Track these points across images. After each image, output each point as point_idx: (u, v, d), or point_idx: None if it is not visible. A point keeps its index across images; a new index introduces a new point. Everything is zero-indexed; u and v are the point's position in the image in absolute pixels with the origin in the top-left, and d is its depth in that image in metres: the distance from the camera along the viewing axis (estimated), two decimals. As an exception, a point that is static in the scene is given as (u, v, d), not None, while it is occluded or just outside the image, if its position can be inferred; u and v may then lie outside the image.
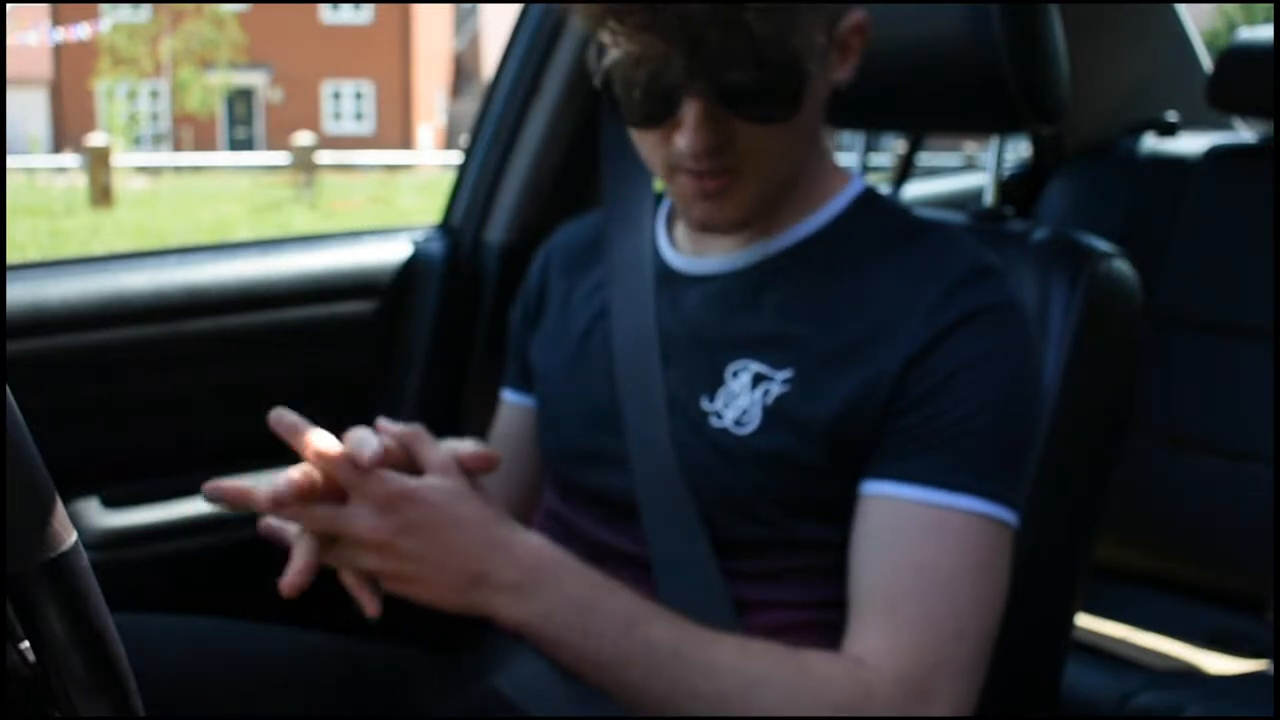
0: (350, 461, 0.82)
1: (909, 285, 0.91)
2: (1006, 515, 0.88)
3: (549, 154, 1.51)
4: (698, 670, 0.82)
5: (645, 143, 0.92)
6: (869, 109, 1.21)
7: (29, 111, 26.06)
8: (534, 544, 0.86)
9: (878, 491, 0.88)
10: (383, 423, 0.89)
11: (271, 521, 0.90)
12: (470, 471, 0.87)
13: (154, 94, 25.91)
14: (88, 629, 0.55)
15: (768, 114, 0.86)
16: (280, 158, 16.53)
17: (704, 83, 0.84)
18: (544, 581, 0.84)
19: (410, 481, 0.84)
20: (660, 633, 0.83)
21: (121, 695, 0.57)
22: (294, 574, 0.83)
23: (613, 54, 0.86)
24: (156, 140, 25.76)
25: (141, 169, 16.41)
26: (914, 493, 0.87)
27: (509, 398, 1.17)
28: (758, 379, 0.92)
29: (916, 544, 0.86)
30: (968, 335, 0.88)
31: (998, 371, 0.88)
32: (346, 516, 0.83)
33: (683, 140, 0.87)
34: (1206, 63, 1.89)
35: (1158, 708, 1.35)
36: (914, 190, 1.89)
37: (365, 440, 0.82)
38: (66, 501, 0.65)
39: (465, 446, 0.88)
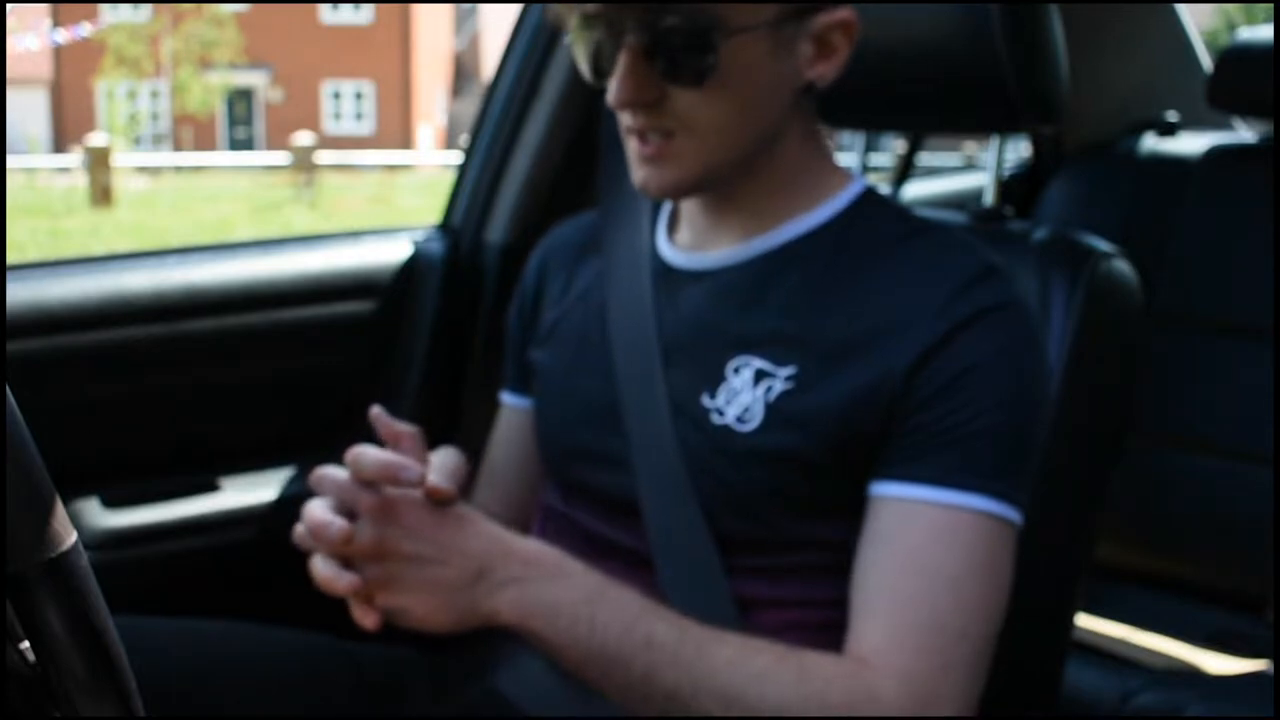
0: (352, 479, 0.84)
1: (916, 284, 0.91)
2: (1012, 514, 0.88)
3: (549, 154, 1.51)
4: (700, 670, 0.82)
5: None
6: (869, 109, 1.21)
7: (29, 111, 26.04)
8: (535, 543, 0.87)
9: (887, 493, 0.88)
10: (379, 414, 0.89)
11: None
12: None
13: (154, 94, 25.89)
14: (88, 629, 0.55)
15: (682, 75, 0.88)
16: (280, 158, 16.50)
17: (630, 37, 0.88)
18: (547, 576, 0.84)
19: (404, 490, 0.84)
20: (663, 631, 0.83)
21: (121, 695, 0.56)
22: (361, 615, 0.84)
23: (572, 21, 0.91)
24: (157, 140, 25.75)
25: (142, 169, 16.39)
26: (923, 493, 0.87)
27: (508, 400, 1.17)
28: (760, 376, 0.92)
29: (923, 544, 0.86)
30: (976, 335, 0.88)
31: (1005, 371, 0.88)
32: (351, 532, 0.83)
33: (610, 92, 0.90)
34: (1206, 63, 1.89)
35: (1158, 708, 1.35)
36: (914, 190, 1.89)
37: (406, 466, 0.83)
38: (66, 501, 0.65)
39: (443, 459, 0.89)
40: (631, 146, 0.94)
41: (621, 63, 0.89)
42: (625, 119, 0.93)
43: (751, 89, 0.90)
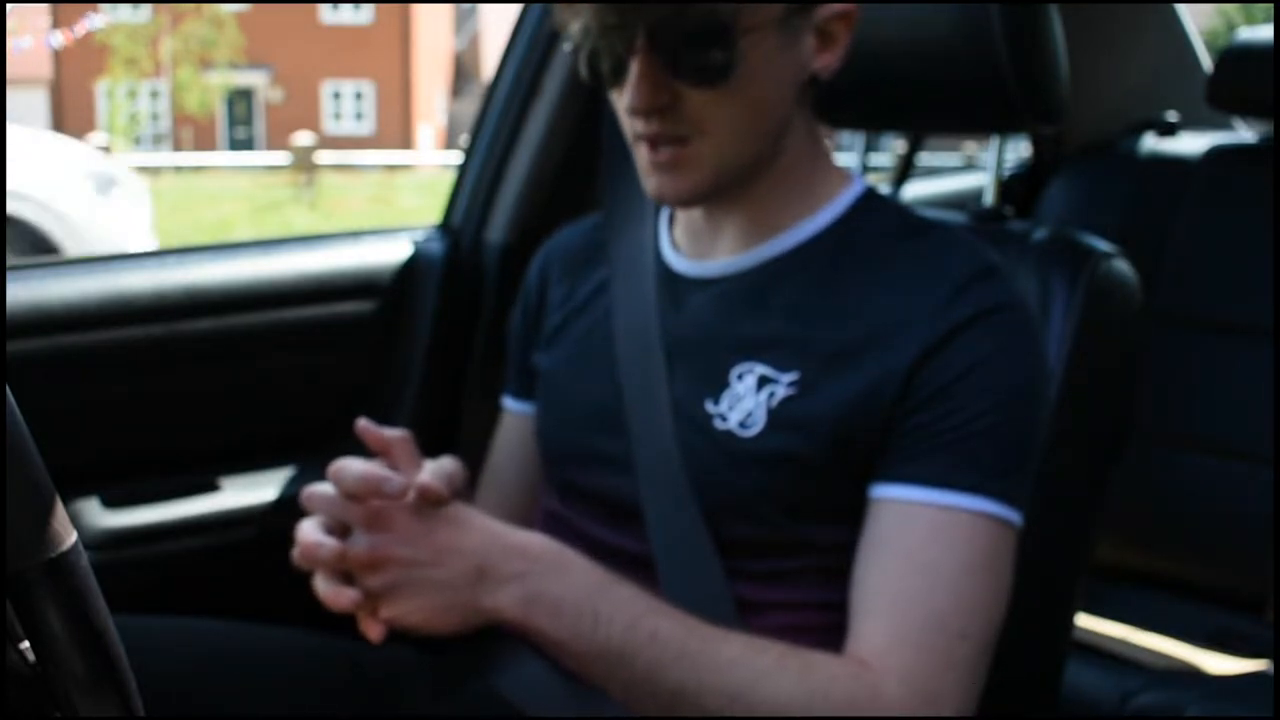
0: (338, 495, 0.83)
1: (915, 285, 0.91)
2: (1011, 514, 0.88)
3: (549, 154, 1.51)
4: (704, 666, 0.82)
5: (619, 113, 0.95)
6: (869, 109, 1.21)
7: (29, 111, 26.03)
8: (535, 538, 0.87)
9: (886, 494, 0.88)
10: (365, 427, 0.89)
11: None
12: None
13: (154, 94, 25.88)
14: (88, 629, 0.55)
15: (700, 75, 0.88)
16: (280, 158, 16.50)
17: (643, 40, 0.87)
18: (550, 570, 0.84)
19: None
20: (667, 627, 0.83)
21: (121, 695, 0.56)
22: (369, 628, 0.84)
23: (577, 26, 0.90)
24: (156, 140, 25.75)
25: (142, 169, 16.39)
26: (922, 494, 0.87)
27: (510, 405, 1.17)
28: (763, 381, 0.92)
29: (923, 545, 0.86)
30: (976, 335, 0.88)
31: (1005, 371, 0.88)
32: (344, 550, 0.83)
33: (625, 98, 0.89)
34: (1206, 63, 1.89)
35: (1158, 708, 1.35)
36: (914, 190, 1.89)
37: (388, 478, 0.83)
38: (66, 501, 0.65)
39: (439, 464, 0.89)
40: (642, 155, 0.93)
41: (635, 68, 0.88)
42: (637, 126, 0.91)
43: (765, 85, 0.90)
